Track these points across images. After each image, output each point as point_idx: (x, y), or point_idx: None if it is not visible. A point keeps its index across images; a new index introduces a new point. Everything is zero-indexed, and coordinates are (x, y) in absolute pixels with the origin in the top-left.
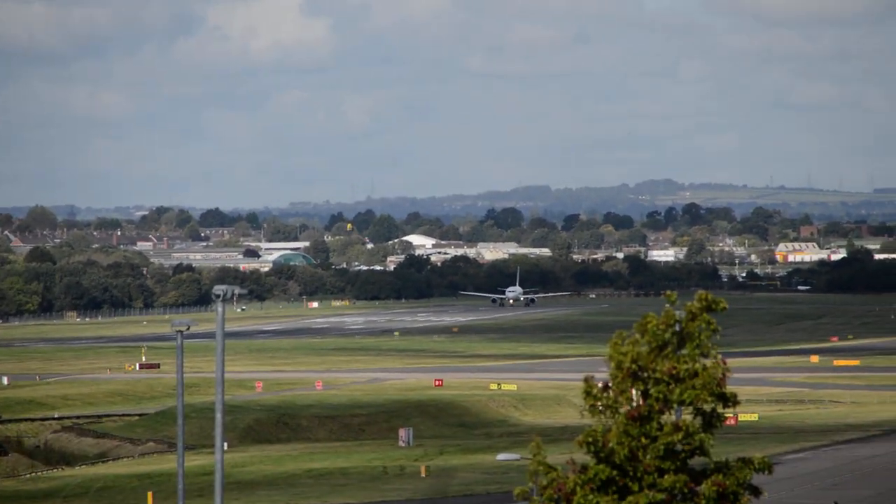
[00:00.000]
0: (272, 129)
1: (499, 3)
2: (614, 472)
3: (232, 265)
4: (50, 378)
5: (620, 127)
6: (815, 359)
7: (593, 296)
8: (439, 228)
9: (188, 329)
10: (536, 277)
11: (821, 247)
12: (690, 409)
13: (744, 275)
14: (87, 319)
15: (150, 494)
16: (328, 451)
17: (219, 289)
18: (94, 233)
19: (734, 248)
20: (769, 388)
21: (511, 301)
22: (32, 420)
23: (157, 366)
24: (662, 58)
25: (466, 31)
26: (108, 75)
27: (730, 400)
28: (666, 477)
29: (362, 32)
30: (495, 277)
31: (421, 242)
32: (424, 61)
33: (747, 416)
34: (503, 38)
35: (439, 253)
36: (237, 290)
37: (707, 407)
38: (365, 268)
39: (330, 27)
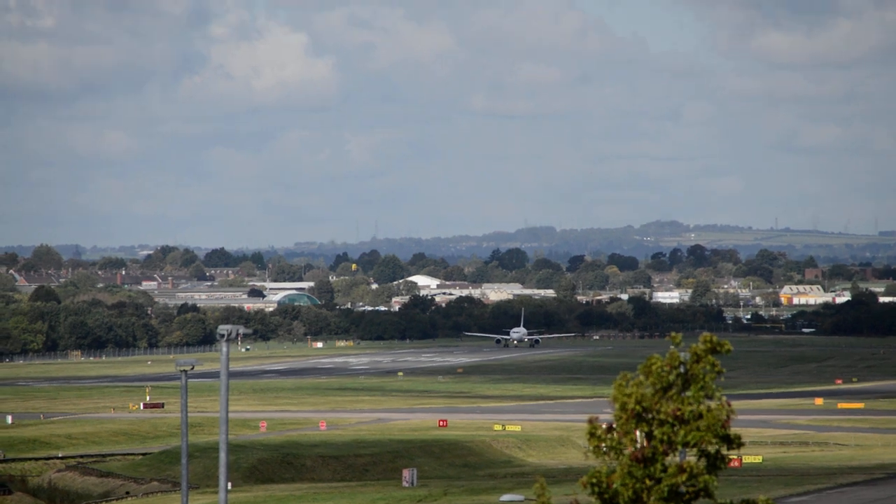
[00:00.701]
0: (276, 168)
1: (502, 43)
2: None
3: (237, 305)
4: (54, 417)
5: (625, 168)
6: (819, 401)
7: (597, 337)
8: (444, 269)
9: (192, 369)
10: (541, 318)
11: (825, 289)
12: (695, 450)
13: (748, 317)
14: (92, 359)
15: None
16: (332, 491)
17: (223, 328)
18: (99, 272)
19: (739, 291)
20: (773, 431)
21: (515, 342)
22: (36, 459)
23: (162, 405)
24: (667, 100)
25: (470, 71)
26: (112, 114)
27: (734, 442)
28: None
29: (366, 72)
30: (500, 318)
31: (426, 283)
32: (428, 101)
33: (751, 458)
34: (507, 78)
35: (444, 293)
36: (242, 330)
37: (711, 449)
38: (369, 308)
39: (334, 66)
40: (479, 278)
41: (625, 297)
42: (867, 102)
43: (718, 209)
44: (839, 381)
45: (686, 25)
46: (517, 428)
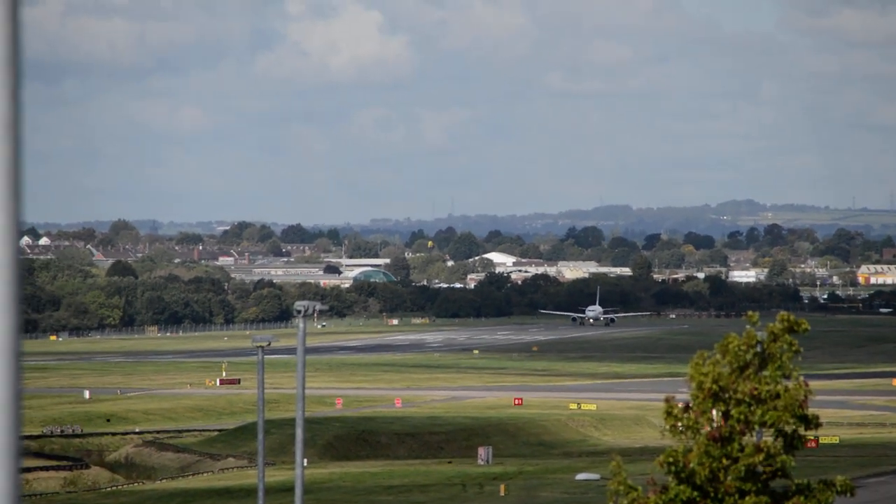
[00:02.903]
0: (352, 145)
1: (576, 21)
2: (695, 493)
3: (312, 281)
4: (131, 392)
5: (701, 147)
6: None
7: (673, 316)
8: (520, 246)
9: (269, 345)
10: (616, 297)
11: None
12: (772, 430)
13: (825, 297)
14: (168, 334)
15: None
16: (407, 468)
17: (300, 304)
18: (176, 247)
19: (816, 270)
20: (850, 411)
21: (591, 320)
22: (114, 434)
23: (238, 381)
24: (742, 78)
25: (544, 50)
26: (187, 91)
27: (812, 422)
28: (747, 498)
29: (440, 50)
30: (575, 296)
31: (501, 260)
32: (503, 79)
33: (828, 438)
34: (581, 57)
35: (520, 271)
36: (318, 306)
37: (789, 429)
38: (445, 285)
39: (408, 44)
40: (554, 256)
41: (701, 275)
42: None
43: (795, 188)
44: None
45: (760, 4)
46: (592, 407)
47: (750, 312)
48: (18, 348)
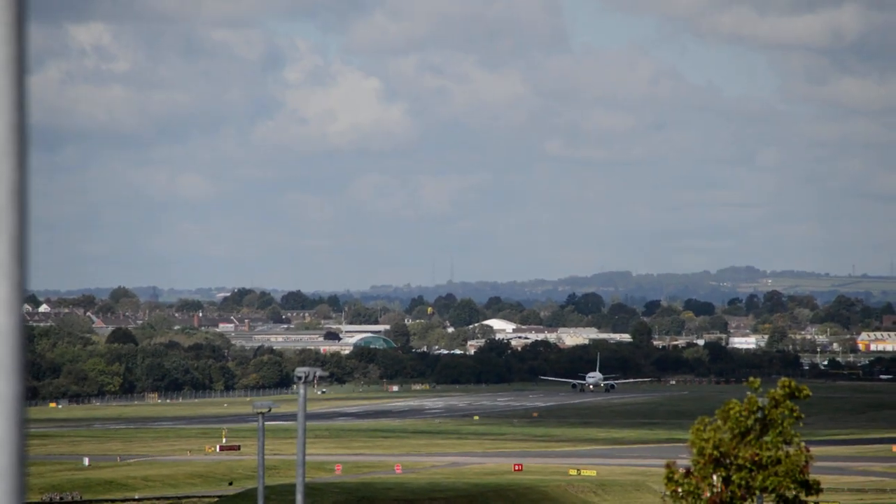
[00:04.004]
0: (352, 212)
1: (575, 89)
2: None
3: (313, 347)
4: (131, 459)
5: (700, 214)
6: None
7: (673, 382)
8: (520, 313)
9: (269, 411)
10: (616, 363)
11: None
12: (773, 496)
13: (825, 363)
14: (168, 401)
15: None
16: None
17: (301, 371)
18: (176, 314)
19: (816, 337)
20: (850, 477)
21: (591, 386)
22: (113, 501)
23: (238, 447)
24: (741, 146)
25: (544, 117)
26: (188, 158)
27: (813, 488)
28: None
29: (439, 117)
30: (575, 362)
31: (501, 327)
32: (503, 146)
33: None
34: (581, 125)
35: (520, 337)
36: (319, 373)
37: (790, 494)
38: (445, 352)
39: (407, 111)
40: (554, 322)
41: (701, 342)
42: None
43: (795, 255)
44: None
45: (758, 72)
46: (593, 472)
47: (751, 378)
48: (24, 415)
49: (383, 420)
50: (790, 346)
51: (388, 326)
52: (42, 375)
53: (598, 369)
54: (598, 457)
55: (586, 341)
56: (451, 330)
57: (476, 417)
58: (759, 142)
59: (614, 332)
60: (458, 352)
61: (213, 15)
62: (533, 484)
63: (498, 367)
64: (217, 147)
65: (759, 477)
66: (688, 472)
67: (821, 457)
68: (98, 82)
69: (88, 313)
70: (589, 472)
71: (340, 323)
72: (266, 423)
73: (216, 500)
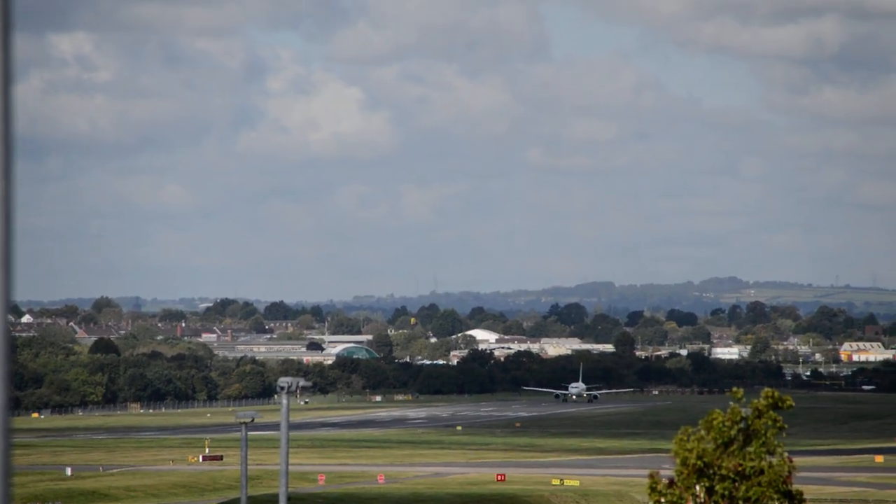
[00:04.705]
0: (334, 221)
1: (557, 98)
2: None
3: (295, 358)
4: (113, 469)
5: (683, 224)
6: (879, 458)
7: (656, 392)
8: (503, 323)
9: (252, 421)
10: (599, 373)
11: (886, 346)
12: None
13: (808, 373)
14: (151, 411)
15: None
16: None
17: (283, 381)
18: (159, 324)
19: (798, 347)
20: (833, 488)
21: (574, 397)
22: None
23: (221, 458)
24: (723, 155)
25: (526, 126)
26: (170, 167)
27: (796, 498)
28: None
29: (421, 126)
30: (558, 373)
31: (484, 337)
32: (485, 155)
33: None
34: (563, 134)
35: (502, 348)
36: (302, 383)
37: None
38: (428, 362)
39: (389, 121)
40: (537, 333)
41: (684, 352)
42: None
43: (777, 265)
44: None
45: (740, 82)
46: (576, 483)
47: (735, 389)
48: (9, 425)
49: (366, 430)
50: (773, 357)
51: (370, 337)
52: (24, 385)
53: (580, 380)
54: (582, 467)
55: (569, 352)
56: (433, 340)
57: (459, 427)
58: (741, 152)
59: (597, 342)
60: (440, 362)
61: (195, 24)
62: (516, 493)
63: (481, 377)
64: (200, 156)
65: (743, 487)
66: (671, 483)
67: (804, 467)
68: (80, 92)
69: (71, 323)
70: (572, 482)
71: (323, 333)
72: (249, 433)
73: None
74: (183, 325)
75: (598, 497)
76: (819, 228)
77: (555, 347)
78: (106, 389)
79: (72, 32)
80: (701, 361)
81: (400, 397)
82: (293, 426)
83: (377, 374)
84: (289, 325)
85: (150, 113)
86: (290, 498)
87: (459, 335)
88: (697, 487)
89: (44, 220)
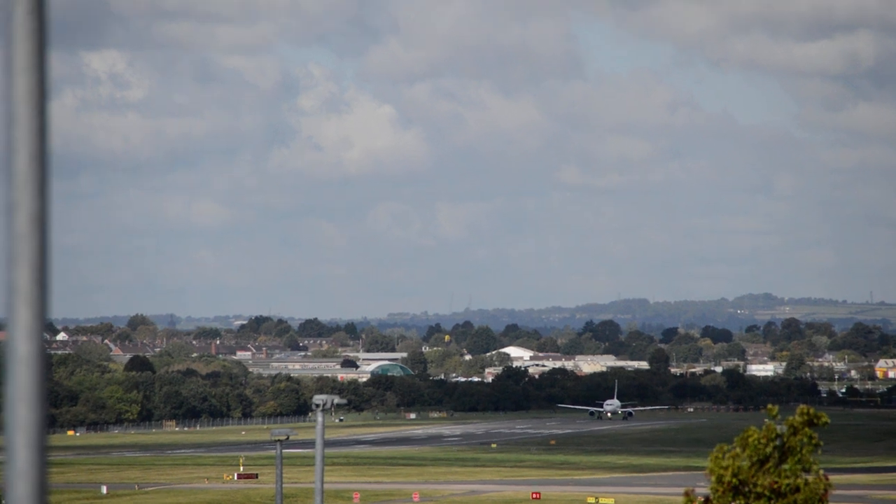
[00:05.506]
0: (368, 239)
1: (590, 116)
2: None
3: (330, 375)
4: (148, 487)
5: (717, 241)
6: None
7: (691, 409)
8: (537, 340)
9: (287, 438)
10: (634, 390)
11: None
12: None
13: (843, 390)
14: (186, 429)
15: None
16: None
17: (319, 398)
18: (194, 342)
19: (833, 364)
20: None
21: (609, 414)
22: None
23: (255, 476)
24: (758, 172)
25: (559, 144)
26: (204, 185)
27: None
28: None
29: (455, 144)
30: (593, 390)
31: (519, 354)
32: (519, 173)
33: None
34: (597, 152)
35: (537, 365)
36: (337, 400)
37: None
38: (463, 379)
39: (422, 138)
40: (571, 350)
41: (718, 369)
42: None
43: (812, 282)
44: None
45: (774, 99)
46: (611, 501)
47: (770, 406)
48: (45, 443)
49: (401, 448)
50: (808, 374)
51: (405, 354)
52: (60, 403)
53: (615, 397)
54: (617, 485)
55: (604, 369)
56: (468, 357)
57: (494, 445)
58: (775, 169)
59: (632, 359)
60: (475, 379)
61: (228, 42)
62: None
63: (515, 394)
64: (233, 174)
65: None
66: (706, 500)
67: (840, 485)
68: (113, 109)
69: (106, 341)
70: (607, 500)
71: (358, 350)
72: (284, 450)
73: None
74: (217, 342)
75: None
76: (854, 245)
77: (589, 365)
78: (141, 407)
79: (105, 51)
80: (736, 378)
81: (435, 415)
82: (328, 444)
83: (412, 391)
84: (323, 342)
85: (184, 130)
86: None
87: (494, 352)
88: None
89: (78, 237)
